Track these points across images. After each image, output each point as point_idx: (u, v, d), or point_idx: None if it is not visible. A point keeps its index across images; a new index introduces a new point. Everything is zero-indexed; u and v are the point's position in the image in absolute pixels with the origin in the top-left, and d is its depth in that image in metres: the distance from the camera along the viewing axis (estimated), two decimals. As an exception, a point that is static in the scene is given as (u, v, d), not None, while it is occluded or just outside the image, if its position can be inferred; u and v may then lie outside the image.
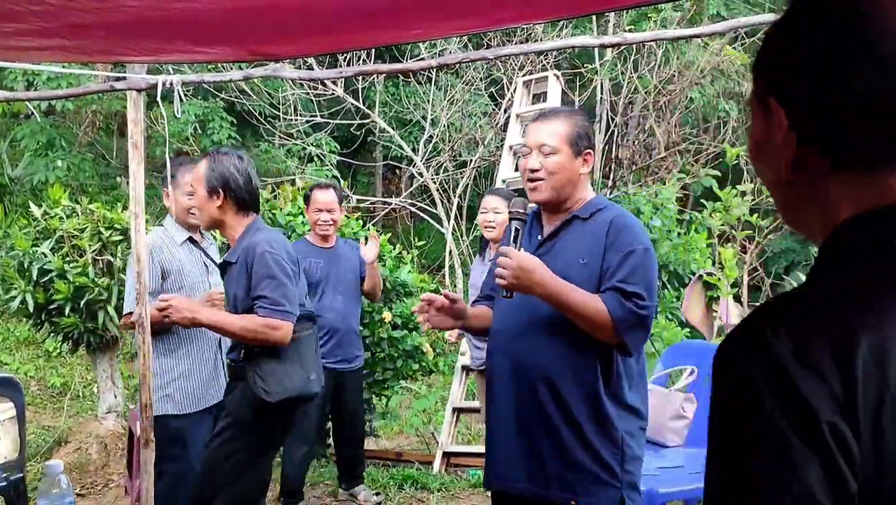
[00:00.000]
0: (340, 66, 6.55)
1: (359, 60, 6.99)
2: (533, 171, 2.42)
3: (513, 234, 2.37)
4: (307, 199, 4.69)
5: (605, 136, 7.95)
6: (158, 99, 3.48)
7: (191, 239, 3.87)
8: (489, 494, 3.02)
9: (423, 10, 1.87)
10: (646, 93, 8.16)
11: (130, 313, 3.71)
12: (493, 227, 4.38)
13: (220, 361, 3.83)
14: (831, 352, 0.69)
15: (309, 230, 4.87)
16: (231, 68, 3.24)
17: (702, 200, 7.17)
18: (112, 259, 5.37)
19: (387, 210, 8.81)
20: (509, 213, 2.42)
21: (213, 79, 3.35)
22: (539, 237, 2.49)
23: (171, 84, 3.41)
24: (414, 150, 7.54)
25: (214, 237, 4.45)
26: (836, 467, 0.66)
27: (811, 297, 0.78)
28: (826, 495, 0.66)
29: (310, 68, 6.22)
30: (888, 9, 0.75)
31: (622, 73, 7.87)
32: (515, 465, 2.37)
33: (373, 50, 7.49)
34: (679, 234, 6.98)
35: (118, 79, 3.64)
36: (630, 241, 2.35)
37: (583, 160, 2.44)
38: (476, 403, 5.41)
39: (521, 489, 2.37)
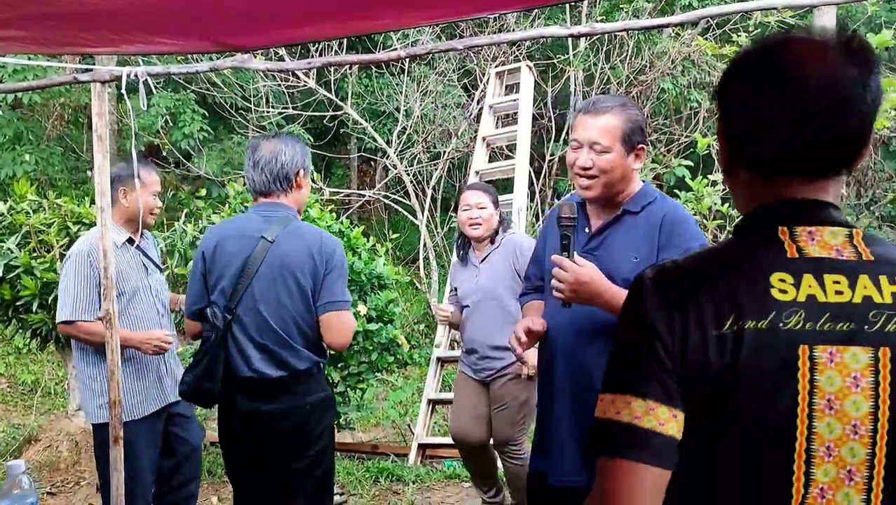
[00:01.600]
0: (312, 56, 6.50)
1: (329, 51, 6.94)
2: (585, 168, 2.35)
3: (562, 241, 2.29)
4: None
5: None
6: (124, 91, 3.42)
7: (129, 240, 3.76)
8: (464, 484, 2.98)
9: (382, 3, 1.84)
10: (618, 83, 8.19)
11: (69, 322, 3.60)
12: (480, 224, 4.05)
13: (165, 366, 3.77)
14: (665, 287, 1.15)
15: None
16: (199, 60, 3.18)
17: (675, 190, 7.22)
18: (80, 254, 5.30)
19: (361, 202, 8.76)
20: (558, 219, 2.32)
21: (181, 70, 3.29)
22: (587, 230, 2.44)
23: (137, 76, 3.35)
24: (387, 141, 7.51)
25: (155, 236, 4.32)
26: (654, 348, 1.12)
27: (682, 259, 1.22)
28: (651, 362, 1.12)
29: (280, 59, 6.15)
30: (785, 85, 1.11)
31: (595, 63, 7.89)
32: (578, 463, 2.32)
33: (344, 41, 7.43)
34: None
35: (84, 70, 3.58)
36: (686, 240, 2.29)
37: (635, 155, 2.38)
38: (451, 395, 5.40)
39: (578, 483, 2.29)
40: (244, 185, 5.69)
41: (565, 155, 2.60)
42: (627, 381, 1.14)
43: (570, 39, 9.32)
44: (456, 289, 4.30)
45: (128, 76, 3.37)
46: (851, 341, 1.08)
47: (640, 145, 2.39)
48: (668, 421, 1.10)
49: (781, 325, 1.08)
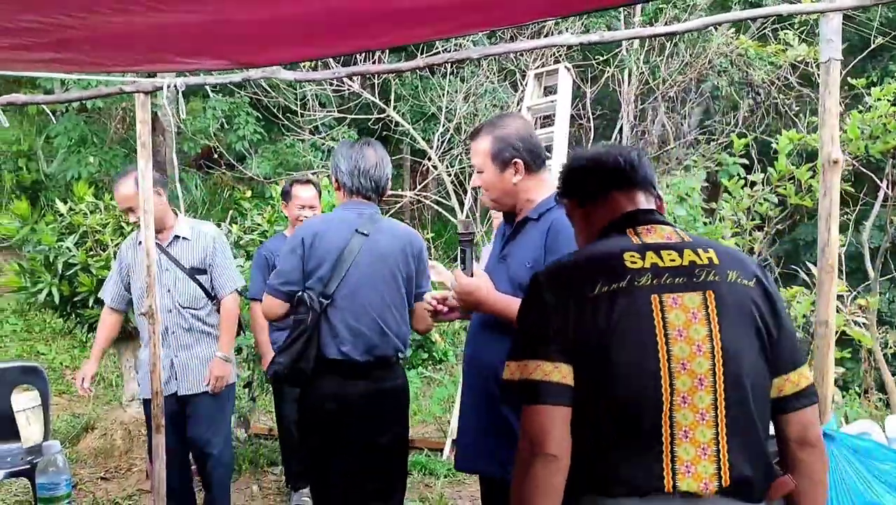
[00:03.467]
0: (334, 67, 6.68)
1: (368, 59, 7.12)
2: (476, 188, 2.68)
3: (460, 255, 2.53)
4: (286, 194, 4.55)
5: (617, 128, 7.97)
6: (164, 101, 3.65)
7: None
8: None
9: (387, 21, 1.98)
10: (662, 81, 8.16)
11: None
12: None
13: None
14: (554, 274, 1.67)
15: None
16: (233, 71, 3.39)
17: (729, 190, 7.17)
18: (133, 253, 5.59)
19: (401, 203, 8.92)
20: (458, 233, 2.58)
21: (215, 81, 3.51)
22: (505, 236, 2.66)
23: (176, 86, 3.58)
24: (428, 142, 7.66)
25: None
26: (551, 320, 1.58)
27: (568, 256, 1.77)
28: (550, 332, 1.58)
29: (314, 69, 6.36)
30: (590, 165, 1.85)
31: (636, 64, 7.89)
32: (481, 449, 2.54)
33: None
34: (705, 223, 6.98)
35: (130, 82, 3.82)
36: (566, 245, 2.35)
37: (513, 170, 2.52)
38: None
39: (485, 471, 2.58)
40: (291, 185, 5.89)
41: None
42: (535, 350, 1.59)
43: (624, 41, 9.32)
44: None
45: (168, 87, 3.60)
46: (686, 289, 1.57)
47: (514, 160, 2.53)
48: (566, 374, 1.56)
49: (636, 283, 1.57)
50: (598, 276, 1.58)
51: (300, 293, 3.06)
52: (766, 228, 6.16)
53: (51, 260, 5.42)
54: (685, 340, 1.54)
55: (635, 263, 1.59)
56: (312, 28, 1.98)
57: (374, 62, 7.41)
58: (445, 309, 2.71)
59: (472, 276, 2.45)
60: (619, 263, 1.59)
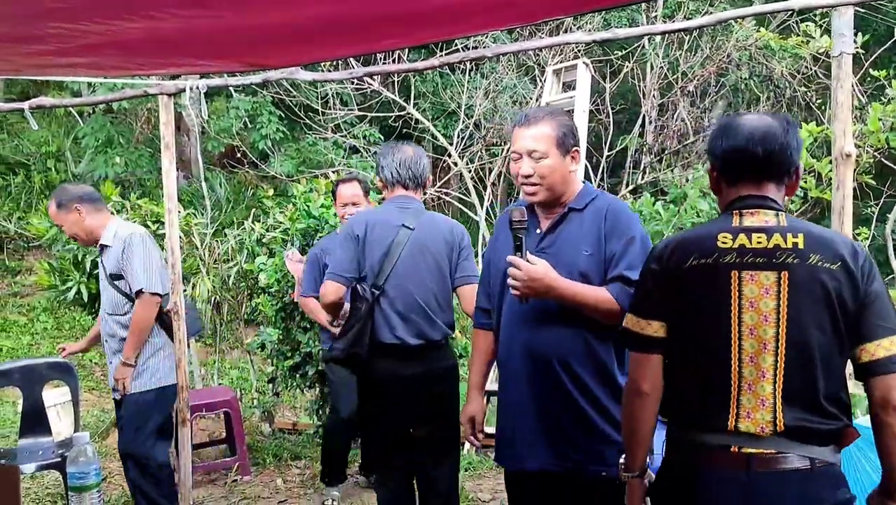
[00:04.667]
0: (353, 67, 6.73)
1: (388, 58, 7.18)
2: (527, 176, 2.55)
3: (514, 242, 2.46)
4: (333, 193, 4.72)
5: (638, 123, 7.95)
6: (188, 101, 3.74)
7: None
8: None
9: (391, 24, 2.03)
10: (682, 75, 8.12)
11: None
12: None
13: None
14: (663, 245, 2.01)
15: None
16: (255, 72, 3.47)
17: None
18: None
19: (423, 199, 8.95)
20: (510, 222, 2.49)
21: (236, 82, 3.59)
22: (538, 231, 2.61)
23: (198, 88, 3.67)
24: (448, 138, 7.70)
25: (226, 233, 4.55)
26: (653, 282, 2.00)
27: (681, 234, 2.07)
28: (654, 293, 2.00)
29: (335, 68, 6.42)
30: (735, 136, 1.97)
31: (656, 57, 7.86)
32: (538, 445, 2.50)
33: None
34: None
35: (153, 85, 3.92)
36: (628, 229, 2.50)
37: (571, 158, 2.58)
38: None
39: (548, 466, 2.49)
40: (306, 184, 5.99)
41: (627, 147, 2.83)
42: (640, 307, 2.02)
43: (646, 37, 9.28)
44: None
45: (190, 88, 3.69)
46: (764, 268, 1.86)
47: (574, 148, 2.59)
48: (659, 329, 1.97)
49: (721, 260, 1.89)
50: (693, 251, 1.92)
51: (354, 284, 3.33)
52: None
53: (79, 259, 5.56)
54: (755, 310, 1.86)
55: (726, 242, 1.90)
56: (329, 30, 2.04)
57: (392, 61, 7.46)
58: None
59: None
60: (713, 242, 1.91)
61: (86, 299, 5.57)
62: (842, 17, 2.73)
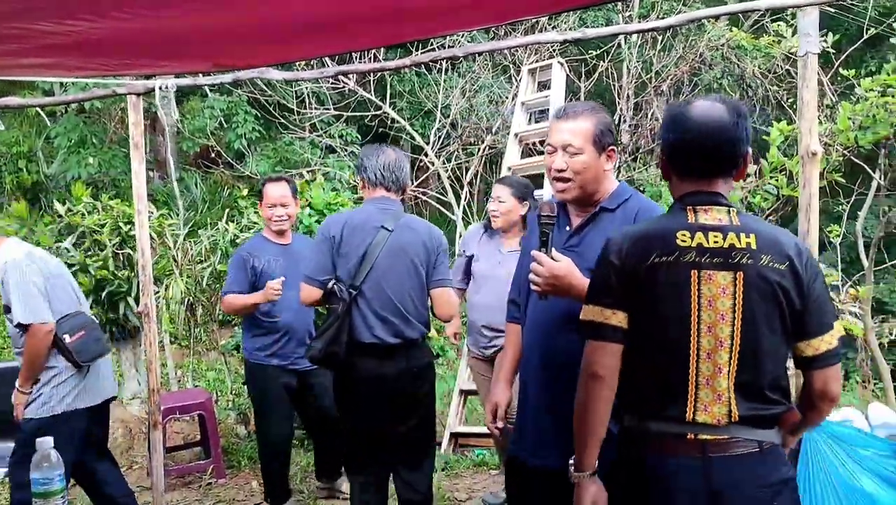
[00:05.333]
0: (326, 66, 6.71)
1: (363, 58, 7.15)
2: (559, 171, 2.48)
3: (541, 238, 2.40)
4: (259, 193, 4.49)
5: (617, 122, 7.97)
6: (157, 101, 3.70)
7: None
8: (491, 472, 3.12)
9: (367, 22, 2.02)
10: (656, 75, 8.17)
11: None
12: (497, 216, 4.32)
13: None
14: (621, 241, 2.02)
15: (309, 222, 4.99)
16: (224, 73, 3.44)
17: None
18: (131, 252, 5.66)
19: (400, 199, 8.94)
20: (539, 216, 2.41)
21: (207, 82, 3.55)
22: (567, 228, 2.56)
23: (168, 87, 3.63)
24: (425, 138, 7.70)
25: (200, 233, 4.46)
26: (612, 276, 2.01)
27: (636, 226, 2.13)
28: (612, 284, 2.00)
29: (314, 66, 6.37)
30: (686, 128, 2.01)
31: (629, 58, 7.90)
32: (549, 445, 2.47)
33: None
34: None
35: (121, 84, 3.88)
36: None
37: (606, 156, 2.50)
38: (475, 386, 5.54)
39: (553, 465, 2.41)
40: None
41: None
42: (600, 298, 2.02)
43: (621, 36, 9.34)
44: (471, 257, 4.52)
45: (160, 88, 3.65)
46: (721, 268, 1.93)
47: (611, 147, 2.52)
48: (622, 319, 1.99)
49: (682, 259, 1.94)
50: (655, 248, 1.96)
51: (331, 285, 3.35)
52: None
53: (49, 261, 5.47)
54: (713, 309, 1.93)
55: (685, 241, 1.95)
56: (298, 30, 2.02)
57: (368, 60, 7.44)
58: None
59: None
60: (672, 239, 1.96)
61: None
62: (807, 16, 2.76)
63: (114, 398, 3.89)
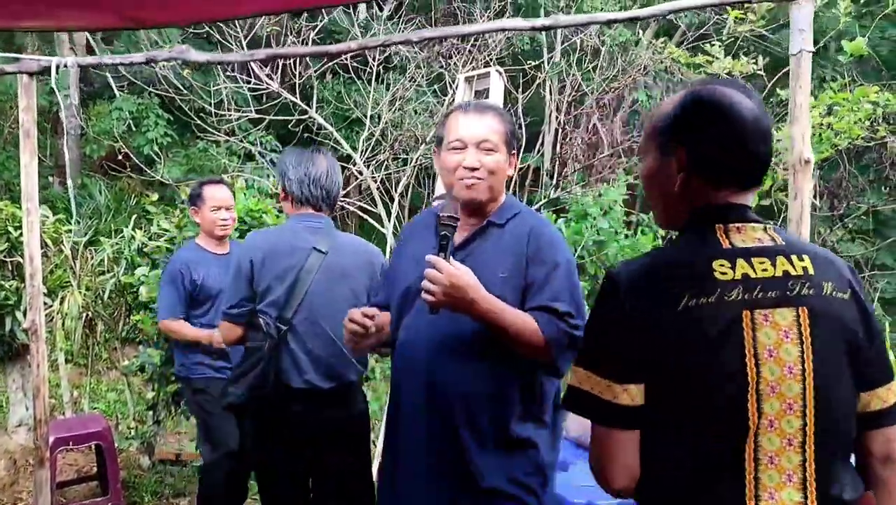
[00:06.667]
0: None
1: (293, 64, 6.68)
2: (472, 168, 2.19)
3: (440, 241, 2.08)
4: (195, 197, 4.09)
5: (553, 135, 7.80)
6: (54, 84, 3.17)
7: None
8: None
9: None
10: (590, 91, 8.03)
11: None
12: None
13: None
14: (636, 278, 1.47)
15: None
16: (131, 50, 2.95)
17: (648, 202, 7.05)
18: (22, 261, 5.02)
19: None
20: (438, 217, 2.14)
21: (113, 61, 3.05)
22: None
23: (67, 66, 3.10)
24: (354, 147, 7.28)
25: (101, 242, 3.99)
26: (628, 330, 1.43)
27: (646, 255, 1.59)
28: (625, 346, 1.43)
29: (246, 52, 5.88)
30: (738, 122, 1.49)
31: (567, 70, 7.72)
32: (421, 491, 2.14)
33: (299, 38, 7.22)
34: (626, 235, 6.84)
35: (12, 60, 3.32)
36: (553, 254, 2.17)
37: (509, 162, 2.30)
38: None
39: None
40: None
41: (530, 165, 2.44)
42: (606, 364, 1.46)
43: (544, 47, 9.19)
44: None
45: (57, 67, 3.12)
46: (779, 305, 1.44)
47: (514, 153, 2.33)
48: (636, 396, 1.43)
49: (726, 297, 1.42)
50: (685, 287, 1.43)
51: (255, 318, 2.87)
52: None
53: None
54: (775, 361, 1.42)
55: (725, 273, 1.44)
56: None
57: (293, 60, 6.99)
58: (372, 328, 2.23)
59: None
60: (708, 273, 1.44)
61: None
62: (801, 9, 2.51)
63: None
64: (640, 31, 9.09)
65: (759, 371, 1.40)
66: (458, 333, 2.11)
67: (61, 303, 5.35)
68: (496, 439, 2.11)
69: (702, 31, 8.59)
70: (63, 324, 5.47)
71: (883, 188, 8.81)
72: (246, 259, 2.87)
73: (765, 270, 1.45)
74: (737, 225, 1.49)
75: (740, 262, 1.45)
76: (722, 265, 1.44)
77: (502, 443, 2.11)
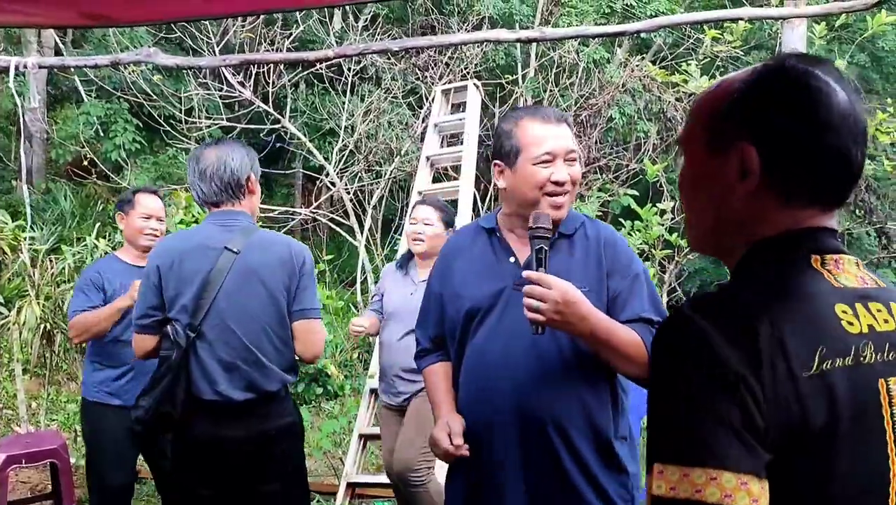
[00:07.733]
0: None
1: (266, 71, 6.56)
2: (561, 183, 2.03)
3: (537, 255, 1.92)
4: (125, 203, 3.87)
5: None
6: (11, 84, 3.01)
7: None
8: None
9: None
10: (566, 108, 8.02)
11: None
12: (422, 241, 3.83)
13: None
14: (742, 329, 0.96)
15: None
16: (94, 52, 2.81)
17: (620, 219, 7.04)
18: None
19: (295, 221, 8.33)
20: (530, 229, 1.97)
21: (76, 63, 2.91)
22: (512, 259, 2.10)
23: (27, 66, 2.95)
24: (327, 159, 7.16)
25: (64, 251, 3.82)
26: (745, 405, 0.93)
27: (726, 292, 1.05)
28: (741, 424, 0.93)
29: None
30: (836, 115, 1.03)
31: (543, 87, 7.69)
32: None
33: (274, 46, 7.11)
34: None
35: (-32, 61, 3.16)
36: (631, 262, 2.08)
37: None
38: (377, 430, 4.97)
39: None
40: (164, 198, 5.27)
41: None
42: (710, 449, 0.94)
43: (518, 62, 9.17)
44: (383, 295, 4.02)
45: (17, 67, 2.97)
46: None
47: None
48: (759, 494, 0.94)
49: (862, 359, 1.00)
50: (818, 344, 0.98)
51: (158, 322, 2.65)
52: (676, 258, 6.02)
53: None
54: None
55: (852, 324, 1.02)
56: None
57: (266, 69, 6.86)
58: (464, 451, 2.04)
59: None
60: (838, 325, 1.01)
61: None
62: (795, 29, 2.46)
63: None
64: (618, 49, 9.12)
65: None
66: (547, 353, 1.97)
67: (18, 313, 5.14)
68: (592, 463, 1.99)
69: (679, 50, 8.63)
70: (20, 335, 5.27)
71: (856, 211, 8.89)
72: (153, 265, 2.66)
73: (886, 320, 1.05)
74: (834, 257, 1.07)
75: (860, 308, 1.04)
76: (845, 311, 1.02)
77: (599, 466, 2.00)
